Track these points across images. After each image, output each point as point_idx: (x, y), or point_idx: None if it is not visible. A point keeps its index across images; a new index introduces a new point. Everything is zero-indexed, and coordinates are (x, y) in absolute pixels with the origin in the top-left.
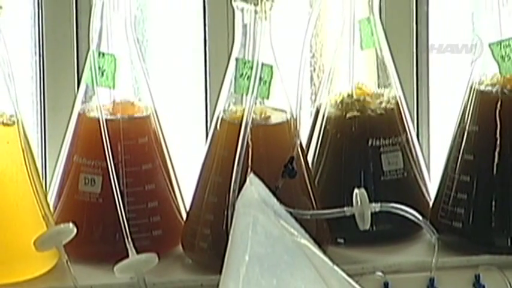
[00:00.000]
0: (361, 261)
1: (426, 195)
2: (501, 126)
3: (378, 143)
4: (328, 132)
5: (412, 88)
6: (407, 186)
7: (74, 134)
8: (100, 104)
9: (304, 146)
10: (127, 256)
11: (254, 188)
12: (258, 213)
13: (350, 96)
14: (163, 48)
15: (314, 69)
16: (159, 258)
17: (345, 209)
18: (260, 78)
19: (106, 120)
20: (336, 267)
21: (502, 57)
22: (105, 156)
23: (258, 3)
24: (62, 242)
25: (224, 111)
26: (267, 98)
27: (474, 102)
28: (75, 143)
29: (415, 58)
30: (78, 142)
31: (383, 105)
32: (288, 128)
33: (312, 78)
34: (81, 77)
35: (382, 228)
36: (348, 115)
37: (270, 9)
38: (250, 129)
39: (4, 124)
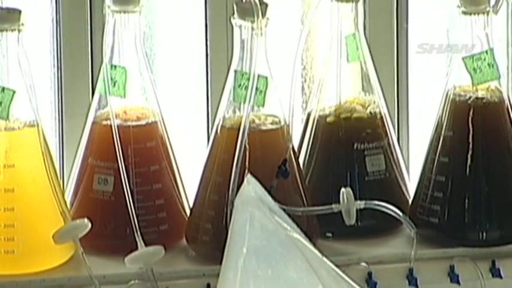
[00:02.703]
0: (347, 253)
1: (406, 193)
2: (473, 131)
3: (362, 146)
4: (318, 137)
5: (393, 97)
6: (389, 185)
7: (88, 138)
8: (112, 111)
9: (296, 149)
10: (136, 248)
11: (251, 187)
12: (254, 209)
13: (337, 104)
14: (169, 61)
15: (305, 80)
16: (165, 250)
17: (333, 206)
18: (256, 88)
19: (117, 126)
20: (324, 259)
21: (474, 69)
22: (116, 159)
23: (254, 21)
24: (77, 235)
25: (224, 118)
26: (263, 106)
27: (449, 109)
28: (89, 147)
29: (396, 70)
30: (93, 146)
31: (367, 112)
32: (282, 133)
33: (303, 88)
34: (95, 87)
35: (366, 223)
36: (336, 121)
37: (265, 26)
38: (248, 134)
39: (25, 129)
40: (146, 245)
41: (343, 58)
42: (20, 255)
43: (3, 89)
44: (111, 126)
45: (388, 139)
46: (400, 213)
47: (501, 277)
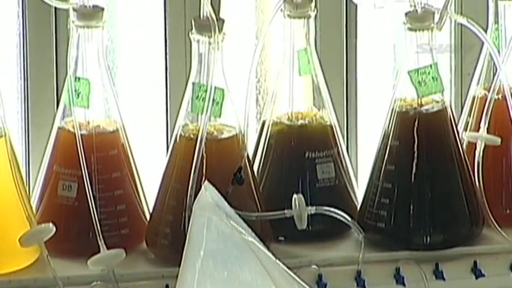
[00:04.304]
0: (299, 256)
1: (354, 199)
2: (418, 141)
3: (313, 155)
4: (271, 146)
5: (342, 108)
6: (338, 192)
7: (53, 146)
8: (76, 121)
9: (250, 157)
10: (99, 251)
11: (208, 193)
12: (211, 214)
13: (290, 115)
14: (131, 74)
15: (259, 92)
16: (126, 253)
17: (285, 211)
18: (213, 100)
19: (81, 135)
20: (277, 261)
21: (419, 82)
22: (80, 166)
23: (211, 36)
24: (43, 239)
25: (182, 127)
26: (219, 116)
27: (395, 120)
28: (54, 155)
29: (345, 83)
30: (57, 154)
31: (318, 123)
32: (237, 142)
33: (257, 100)
34: (60, 98)
35: (317, 227)
36: (288, 131)
37: (222, 41)
38: (205, 143)
39: None
40: (108, 248)
41: (295, 71)
42: None
43: None
44: (75, 135)
45: (338, 148)
46: (349, 218)
47: (444, 279)
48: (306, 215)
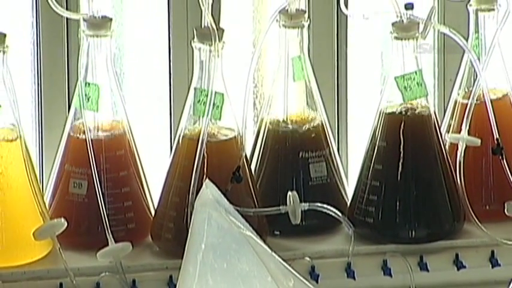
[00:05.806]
0: (293, 249)
1: (345, 196)
2: (404, 142)
3: (306, 155)
4: (267, 146)
5: (333, 111)
6: (330, 189)
7: (65, 147)
8: (86, 123)
9: (248, 157)
10: (107, 244)
11: (209, 190)
12: (212, 210)
13: (285, 118)
14: (137, 79)
15: (256, 97)
16: (132, 246)
17: (281, 207)
18: (213, 104)
19: (91, 136)
20: (273, 254)
21: (405, 87)
22: (90, 165)
23: (212, 44)
24: (55, 233)
25: (185, 129)
26: (219, 119)
27: (383, 122)
28: (66, 155)
29: (336, 88)
30: (69, 154)
31: (311, 125)
32: (236, 143)
33: (254, 104)
34: (71, 102)
35: (309, 222)
36: (283, 133)
37: (222, 48)
38: (206, 144)
39: (9, 140)
40: (116, 241)
41: (289, 77)
42: (4, 250)
43: None
44: (85, 136)
45: (330, 148)
46: (340, 214)
47: (428, 270)
48: (300, 211)
